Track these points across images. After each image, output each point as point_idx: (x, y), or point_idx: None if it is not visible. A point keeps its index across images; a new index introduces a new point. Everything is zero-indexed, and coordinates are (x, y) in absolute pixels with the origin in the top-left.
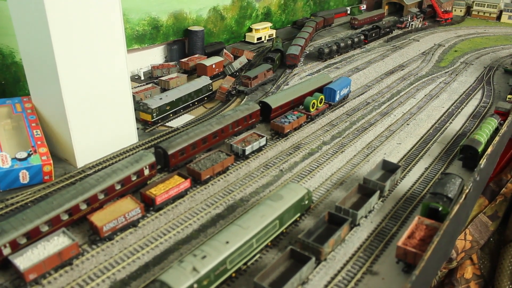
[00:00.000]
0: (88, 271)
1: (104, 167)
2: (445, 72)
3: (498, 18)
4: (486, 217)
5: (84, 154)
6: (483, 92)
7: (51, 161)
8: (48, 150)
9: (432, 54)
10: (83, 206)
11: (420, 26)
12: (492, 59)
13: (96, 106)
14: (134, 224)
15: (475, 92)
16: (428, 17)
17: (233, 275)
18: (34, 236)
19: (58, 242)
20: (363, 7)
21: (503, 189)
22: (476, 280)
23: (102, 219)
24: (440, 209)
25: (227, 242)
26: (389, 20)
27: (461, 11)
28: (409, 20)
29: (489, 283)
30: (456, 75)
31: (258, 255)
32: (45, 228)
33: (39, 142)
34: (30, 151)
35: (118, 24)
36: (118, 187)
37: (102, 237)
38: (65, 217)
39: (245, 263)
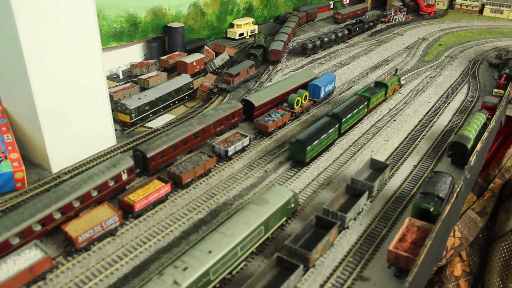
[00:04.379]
0: (63, 285)
1: (81, 172)
2: (430, 66)
3: (481, 11)
4: (475, 213)
5: (59, 159)
6: (469, 86)
7: (23, 168)
8: (19, 155)
9: (417, 48)
10: (57, 215)
11: (403, 20)
12: (477, 53)
13: (71, 108)
14: (112, 233)
15: (461, 86)
16: (411, 11)
17: (217, 285)
18: (3, 250)
19: (30, 256)
20: (346, 1)
21: (491, 184)
22: (465, 277)
23: (77, 229)
24: (431, 209)
25: (210, 252)
26: (373, 14)
27: (444, 4)
28: (393, 14)
29: (478, 280)
30: (441, 69)
31: (243, 263)
32: (15, 241)
33: (10, 147)
34: (0, 157)
35: (92, 22)
36: (94, 193)
37: (78, 248)
38: (37, 228)
39: (229, 273)
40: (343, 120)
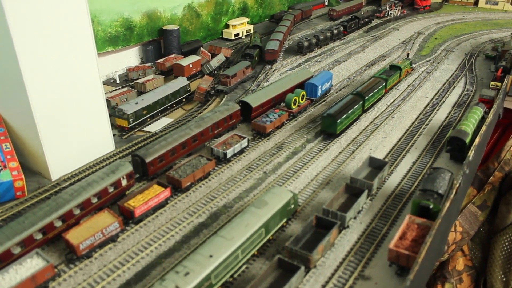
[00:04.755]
0: None
1: (80, 178)
2: (427, 61)
3: (476, 3)
4: (475, 207)
5: (58, 166)
6: (466, 79)
7: (23, 176)
8: (18, 164)
9: (413, 43)
10: (58, 223)
11: (398, 14)
12: (473, 45)
13: (68, 115)
14: (113, 239)
15: (458, 80)
16: (406, 5)
17: None
18: (5, 260)
19: (32, 264)
20: None
21: (491, 177)
22: (468, 272)
23: (78, 236)
24: (431, 206)
25: (211, 256)
26: (368, 10)
27: None
28: (388, 9)
29: (481, 274)
30: (438, 63)
31: (244, 266)
32: (17, 250)
33: (9, 156)
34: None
35: (86, 28)
36: (94, 200)
37: (79, 255)
38: (38, 237)
39: (231, 276)
40: (366, 98)
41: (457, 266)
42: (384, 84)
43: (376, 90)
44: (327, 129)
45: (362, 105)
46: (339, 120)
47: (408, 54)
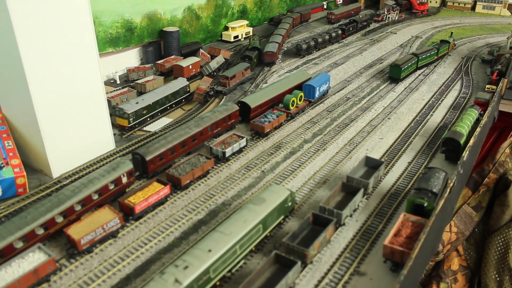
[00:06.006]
0: (67, 287)
1: (81, 176)
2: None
3: (473, 8)
4: (470, 208)
5: (60, 164)
6: (462, 82)
7: (25, 173)
8: (20, 161)
9: (410, 46)
10: (59, 219)
11: (396, 18)
12: (469, 49)
13: (70, 114)
14: (113, 235)
15: (454, 83)
16: (404, 9)
17: (218, 283)
18: (7, 254)
19: (34, 258)
20: (339, 1)
21: (486, 179)
22: (463, 271)
23: (79, 231)
24: (425, 205)
25: (210, 250)
26: (366, 14)
27: (436, 2)
28: (386, 13)
29: (475, 273)
30: (435, 66)
31: (242, 261)
32: (19, 245)
33: (11, 154)
34: (2, 163)
35: (88, 29)
36: (95, 197)
37: (81, 250)
38: (40, 232)
39: (229, 271)
40: (420, 58)
41: (452, 266)
42: (436, 51)
43: (429, 54)
44: (394, 75)
45: (417, 62)
46: (403, 68)
47: (451, 33)
